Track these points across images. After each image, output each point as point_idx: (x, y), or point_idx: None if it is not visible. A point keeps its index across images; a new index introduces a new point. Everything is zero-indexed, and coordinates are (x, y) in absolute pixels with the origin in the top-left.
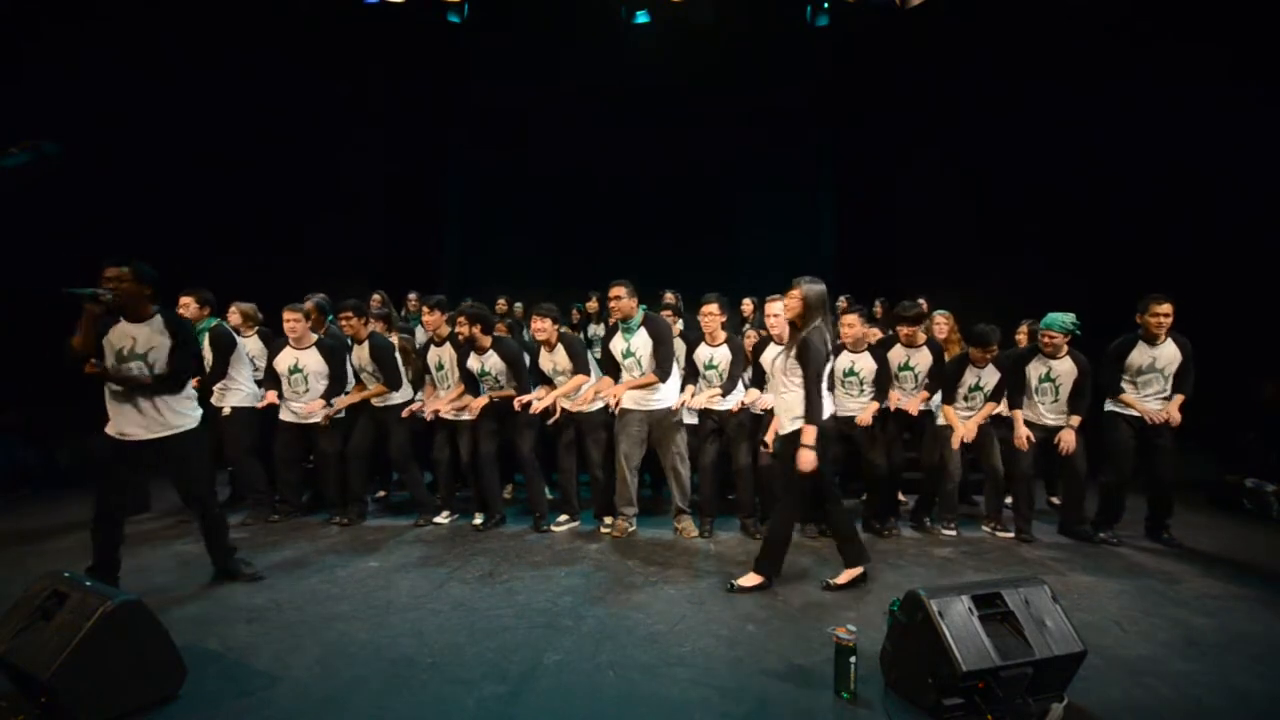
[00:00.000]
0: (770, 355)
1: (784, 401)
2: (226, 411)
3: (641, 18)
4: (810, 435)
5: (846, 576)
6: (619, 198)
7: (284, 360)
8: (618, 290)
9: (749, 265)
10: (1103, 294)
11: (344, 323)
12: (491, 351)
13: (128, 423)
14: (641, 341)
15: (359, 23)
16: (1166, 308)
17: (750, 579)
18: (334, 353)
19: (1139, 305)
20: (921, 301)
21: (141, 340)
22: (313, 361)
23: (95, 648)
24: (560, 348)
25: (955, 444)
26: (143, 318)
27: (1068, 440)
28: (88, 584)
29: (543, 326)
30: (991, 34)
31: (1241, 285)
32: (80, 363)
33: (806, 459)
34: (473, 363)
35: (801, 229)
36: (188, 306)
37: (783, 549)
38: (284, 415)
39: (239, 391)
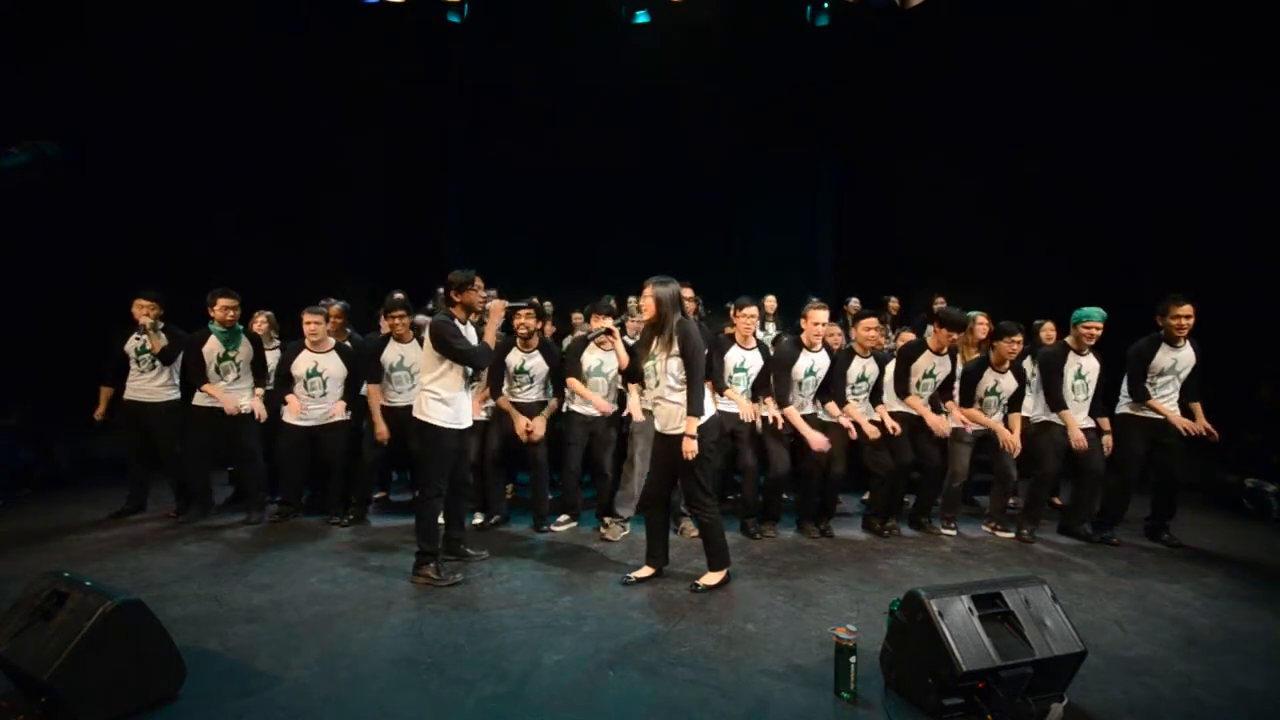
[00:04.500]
0: (803, 365)
1: (674, 402)
2: (245, 408)
3: (641, 18)
4: (693, 426)
5: (714, 579)
6: (619, 197)
7: (302, 364)
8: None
9: (749, 265)
10: (1104, 294)
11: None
12: (537, 352)
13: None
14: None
15: (359, 22)
16: (1188, 309)
17: (712, 576)
18: (354, 357)
19: (1159, 307)
20: (939, 302)
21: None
22: (332, 365)
23: (95, 648)
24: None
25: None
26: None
27: (1110, 445)
28: (88, 584)
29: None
30: (992, 34)
31: (1242, 285)
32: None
33: (690, 447)
34: (514, 358)
35: (801, 229)
36: (230, 309)
37: (722, 537)
38: (287, 416)
39: (248, 392)
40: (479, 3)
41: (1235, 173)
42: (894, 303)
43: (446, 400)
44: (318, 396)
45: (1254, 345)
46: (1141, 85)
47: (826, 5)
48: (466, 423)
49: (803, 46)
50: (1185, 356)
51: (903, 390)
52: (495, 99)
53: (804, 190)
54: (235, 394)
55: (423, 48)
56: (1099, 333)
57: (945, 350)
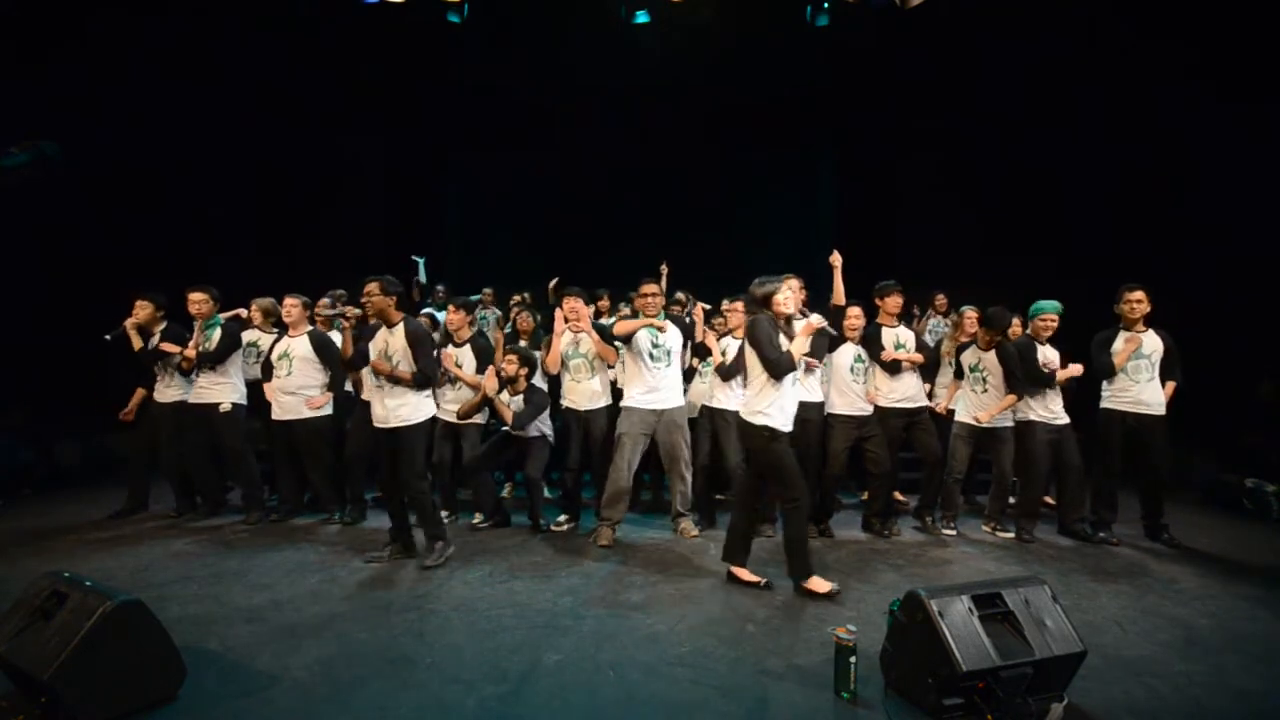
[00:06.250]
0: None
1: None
2: (226, 408)
3: (641, 17)
4: None
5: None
6: (618, 197)
7: (278, 347)
8: (652, 288)
9: (749, 265)
10: (1103, 294)
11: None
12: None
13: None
14: (673, 337)
15: (359, 22)
16: (1139, 294)
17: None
18: (324, 343)
19: (1116, 296)
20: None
21: (394, 344)
22: (300, 348)
23: (95, 648)
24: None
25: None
26: (393, 324)
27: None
28: (88, 584)
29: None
30: (992, 34)
31: (1242, 285)
32: (354, 370)
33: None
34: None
35: (801, 229)
36: (203, 303)
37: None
38: (276, 414)
39: (237, 389)
40: (479, 3)
41: (1236, 174)
42: (941, 298)
43: None
44: (283, 376)
45: (1253, 344)
46: (1141, 83)
47: (826, 5)
48: (379, 418)
49: (803, 46)
50: (1150, 342)
51: (877, 361)
52: (495, 99)
53: (804, 190)
54: (213, 391)
55: (423, 48)
56: (1054, 325)
57: (910, 325)
